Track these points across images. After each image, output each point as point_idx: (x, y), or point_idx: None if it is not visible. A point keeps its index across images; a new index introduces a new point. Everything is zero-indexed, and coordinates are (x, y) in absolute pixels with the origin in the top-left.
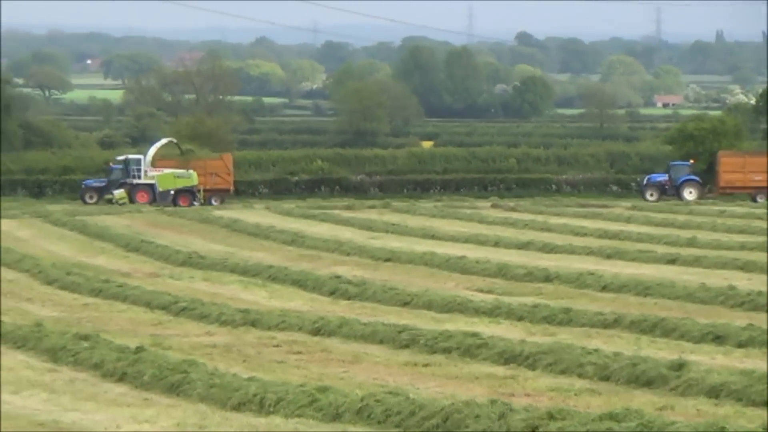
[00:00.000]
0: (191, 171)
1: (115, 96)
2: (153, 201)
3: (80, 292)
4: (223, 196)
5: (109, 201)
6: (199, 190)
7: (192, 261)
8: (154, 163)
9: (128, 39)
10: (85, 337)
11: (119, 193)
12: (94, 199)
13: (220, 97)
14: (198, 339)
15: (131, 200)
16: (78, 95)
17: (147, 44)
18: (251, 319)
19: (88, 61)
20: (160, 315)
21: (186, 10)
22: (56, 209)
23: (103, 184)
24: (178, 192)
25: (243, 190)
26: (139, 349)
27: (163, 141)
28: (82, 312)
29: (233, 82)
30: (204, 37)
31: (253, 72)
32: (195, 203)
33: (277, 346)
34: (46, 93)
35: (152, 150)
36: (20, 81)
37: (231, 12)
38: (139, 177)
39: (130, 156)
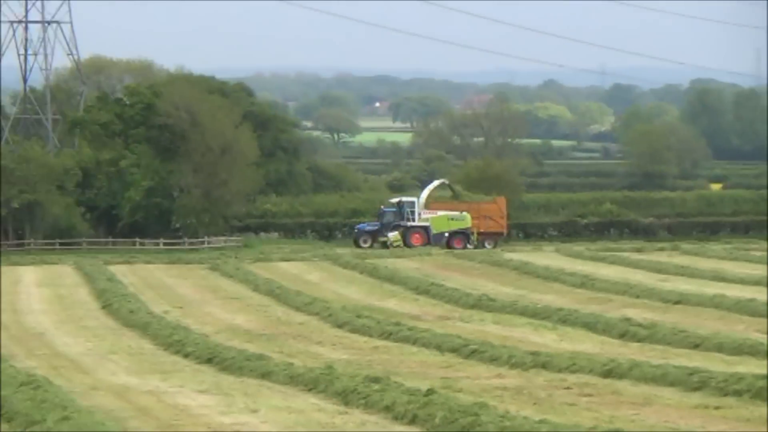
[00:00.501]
0: (465, 213)
1: (404, 139)
2: (427, 243)
3: (370, 335)
4: (497, 239)
5: (384, 244)
6: (472, 233)
7: (482, 304)
8: (428, 205)
9: (416, 81)
10: (376, 380)
11: (394, 235)
12: (368, 243)
13: (509, 140)
14: (488, 381)
15: (405, 243)
16: (366, 138)
17: (435, 87)
18: (541, 362)
19: (377, 104)
20: (450, 358)
21: (475, 54)
22: (345, 252)
23: (377, 227)
24: (453, 234)
25: (532, 233)
26: (430, 392)
27: (436, 183)
28: (373, 355)
29: (522, 124)
30: (492, 80)
31: (541, 114)
32: (469, 246)
33: (568, 388)
34: (335, 136)
35: (426, 192)
36: (309, 124)
37: (519, 55)
38: (414, 219)
39: (404, 198)
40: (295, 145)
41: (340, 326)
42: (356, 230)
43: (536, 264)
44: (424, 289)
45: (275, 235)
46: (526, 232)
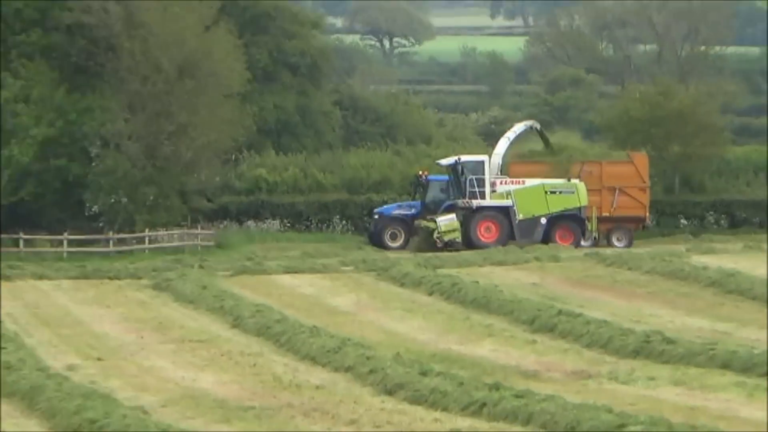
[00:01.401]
0: (576, 182)
1: (511, 47)
2: (507, 238)
3: (448, 409)
4: (633, 230)
5: (427, 238)
6: (588, 218)
7: (651, 348)
8: (509, 169)
9: None
10: None
11: (447, 223)
12: (400, 240)
13: (703, 48)
14: None
15: (467, 238)
16: (443, 47)
17: None
18: None
19: None
20: None
21: None
22: (399, 256)
23: (412, 210)
24: (555, 221)
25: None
26: None
27: (520, 127)
28: None
29: (727, 21)
30: None
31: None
32: (583, 242)
33: None
34: (387, 44)
35: (504, 145)
36: (339, 23)
37: None
38: (483, 194)
39: (466, 157)
40: (315, 62)
41: (390, 392)
42: (375, 216)
43: (753, 276)
44: (544, 323)
45: (274, 223)
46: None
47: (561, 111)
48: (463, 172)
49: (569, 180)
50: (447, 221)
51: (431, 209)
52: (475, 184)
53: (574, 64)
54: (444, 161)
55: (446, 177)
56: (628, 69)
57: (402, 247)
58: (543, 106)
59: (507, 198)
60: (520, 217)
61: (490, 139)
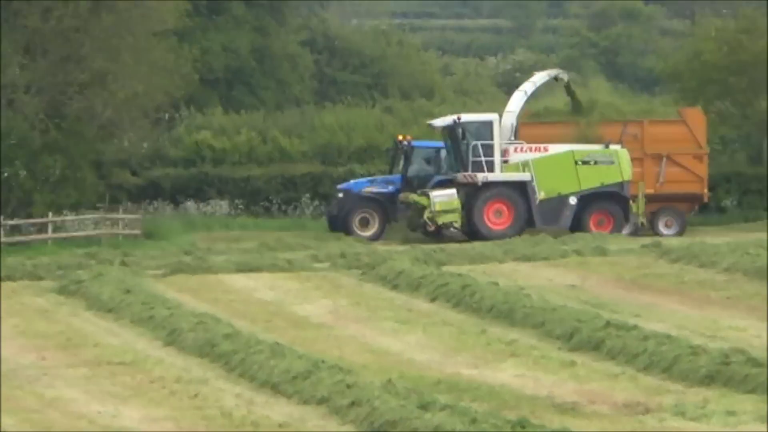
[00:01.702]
0: (616, 148)
1: None
2: (524, 224)
3: None
4: (687, 211)
5: (414, 226)
6: (634, 198)
7: (731, 373)
8: (522, 134)
9: None
10: None
11: (444, 199)
12: (372, 228)
13: None
14: None
15: (471, 224)
16: None
17: None
18: None
19: None
20: None
21: None
22: (388, 249)
23: (390, 188)
24: (589, 202)
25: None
26: None
27: (542, 77)
28: None
29: None
30: None
31: None
32: (624, 230)
33: None
34: None
35: (519, 100)
36: None
37: None
38: (490, 166)
39: (466, 116)
40: None
41: None
42: (339, 195)
43: None
44: (586, 339)
45: (222, 205)
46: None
47: (609, 54)
48: (465, 136)
49: (608, 146)
50: (444, 197)
51: (415, 186)
52: (481, 153)
53: None
54: (438, 121)
55: (436, 143)
56: None
57: (375, 237)
58: (586, 47)
59: (524, 170)
60: (542, 195)
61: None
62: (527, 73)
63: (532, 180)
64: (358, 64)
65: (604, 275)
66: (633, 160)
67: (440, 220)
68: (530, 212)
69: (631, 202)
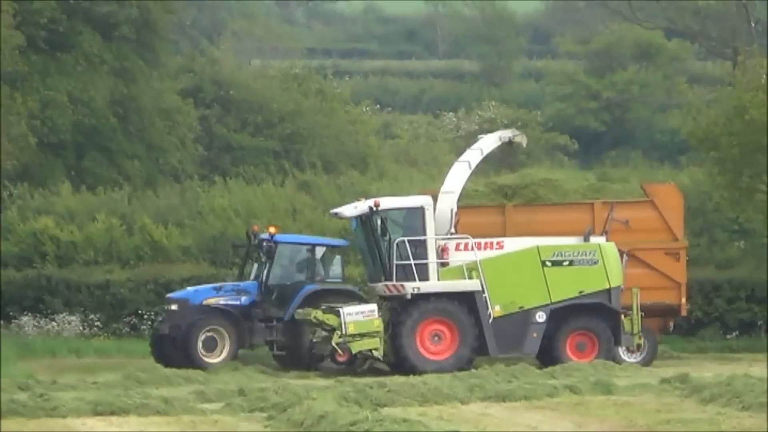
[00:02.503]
0: (599, 241)
1: None
2: (471, 351)
3: None
4: (659, 329)
5: (318, 357)
6: (626, 313)
7: None
8: (460, 223)
9: None
10: None
11: (359, 318)
12: (220, 353)
13: None
14: None
15: (396, 355)
16: None
17: None
18: None
19: None
20: None
21: None
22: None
23: (242, 299)
24: (563, 317)
25: None
26: None
27: (493, 140)
28: None
29: None
30: None
31: None
32: (627, 358)
33: None
34: None
35: (461, 174)
36: None
37: None
38: (422, 272)
39: (388, 201)
40: (145, 12)
41: None
42: (172, 307)
43: None
44: None
45: (72, 321)
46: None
47: (616, 109)
48: (386, 229)
49: (587, 238)
50: (359, 316)
51: (277, 298)
52: (409, 252)
53: (643, 19)
54: (347, 209)
55: (308, 238)
56: (744, 29)
57: (224, 362)
58: (582, 99)
59: (470, 276)
60: (497, 311)
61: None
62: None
63: (482, 290)
64: (262, 122)
65: (609, 422)
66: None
67: (355, 348)
68: (481, 335)
69: (623, 316)
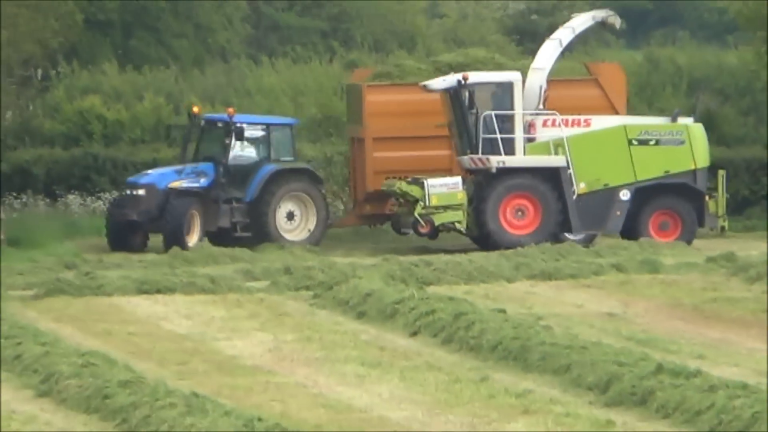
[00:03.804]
0: (686, 121)
1: None
2: (556, 227)
3: None
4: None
5: (401, 227)
6: (710, 194)
7: None
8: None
9: None
10: None
11: (443, 191)
12: (192, 235)
13: None
14: None
15: (480, 225)
16: None
17: None
18: None
19: None
20: None
21: None
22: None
23: (202, 181)
24: (648, 196)
25: None
26: None
27: (586, 20)
28: None
29: None
30: None
31: None
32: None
33: None
34: None
35: (551, 53)
36: None
37: None
38: (508, 146)
39: (474, 76)
40: None
41: None
42: (138, 192)
43: None
44: (629, 389)
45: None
46: None
47: None
48: (473, 103)
49: (675, 119)
50: (444, 188)
51: (236, 179)
52: (496, 127)
53: None
54: (436, 82)
55: (267, 118)
56: None
57: (197, 244)
58: None
59: (556, 152)
60: (582, 188)
61: (528, 42)
62: (548, 15)
63: (568, 166)
64: (310, 1)
65: (655, 300)
66: None
67: (438, 220)
68: (565, 211)
69: (707, 198)
